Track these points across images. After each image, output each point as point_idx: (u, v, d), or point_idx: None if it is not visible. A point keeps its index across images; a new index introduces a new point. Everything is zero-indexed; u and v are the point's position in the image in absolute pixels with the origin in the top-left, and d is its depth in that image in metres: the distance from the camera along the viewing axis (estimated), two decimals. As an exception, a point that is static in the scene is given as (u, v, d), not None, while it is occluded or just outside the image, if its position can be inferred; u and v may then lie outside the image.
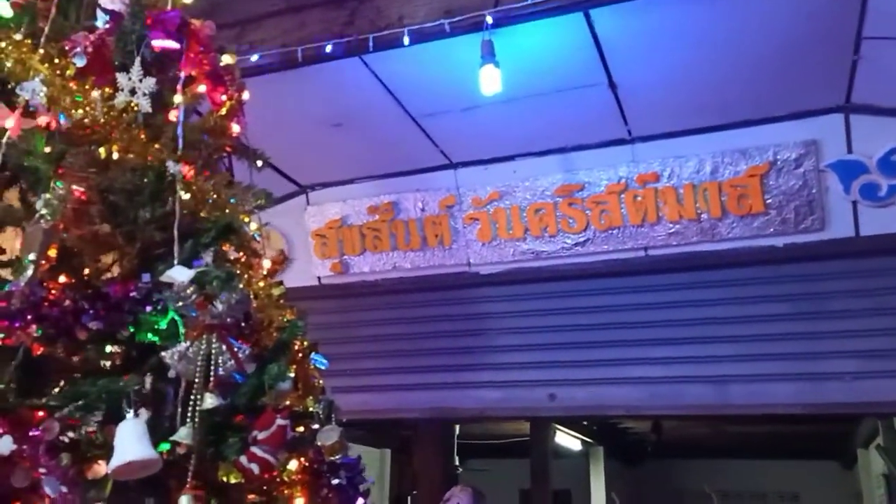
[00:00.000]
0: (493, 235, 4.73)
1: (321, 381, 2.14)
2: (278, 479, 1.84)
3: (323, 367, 2.17)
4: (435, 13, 3.69)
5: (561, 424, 8.88)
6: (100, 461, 1.51)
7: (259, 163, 2.22)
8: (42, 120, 1.73)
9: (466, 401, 4.67)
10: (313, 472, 1.91)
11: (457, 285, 4.87)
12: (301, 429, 1.91)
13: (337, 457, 1.89)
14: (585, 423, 9.14)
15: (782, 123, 4.05)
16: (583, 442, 10.24)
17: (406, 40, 3.63)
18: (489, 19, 3.45)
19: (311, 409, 1.94)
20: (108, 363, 1.74)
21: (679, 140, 4.28)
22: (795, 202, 4.07)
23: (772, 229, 4.15)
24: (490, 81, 3.50)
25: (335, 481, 1.92)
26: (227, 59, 2.19)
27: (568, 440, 9.72)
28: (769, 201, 4.11)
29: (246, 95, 2.26)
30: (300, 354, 2.06)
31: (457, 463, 9.02)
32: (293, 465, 1.89)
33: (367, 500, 2.06)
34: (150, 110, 1.81)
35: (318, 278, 5.10)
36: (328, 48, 3.76)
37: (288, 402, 1.89)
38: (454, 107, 4.19)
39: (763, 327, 4.23)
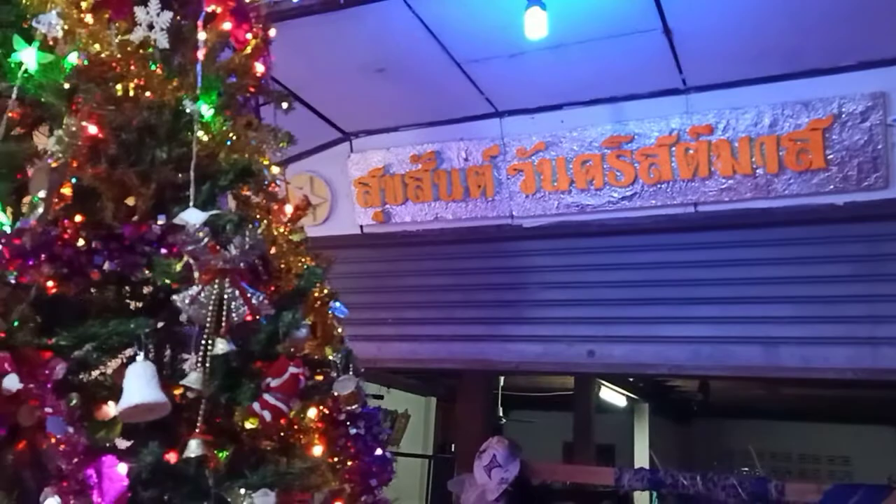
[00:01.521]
0: (537, 187, 4.61)
1: (340, 330, 2.10)
2: (295, 427, 1.82)
3: (342, 316, 2.13)
4: (480, -49, 3.53)
5: (605, 380, 8.81)
6: (108, 402, 1.50)
7: (284, 105, 2.15)
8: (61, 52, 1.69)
9: (505, 354, 4.62)
10: (331, 420, 1.89)
11: (499, 238, 4.78)
12: (319, 377, 1.88)
13: (354, 406, 1.86)
14: (631, 379, 9.05)
15: (849, 74, 3.78)
16: (628, 398, 10.17)
17: (449, -20, 3.49)
18: (535, -42, 3.28)
19: (329, 357, 1.91)
20: (133, 305, 1.74)
21: (737, 90, 4.05)
22: (859, 158, 3.82)
23: (832, 186, 3.91)
24: (535, 25, 3.35)
25: (353, 431, 1.90)
26: (253, -5, 2.11)
27: (613, 395, 9.66)
28: (830, 157, 3.87)
29: (272, 33, 2.19)
30: (319, 302, 2.02)
31: (501, 414, 9.11)
32: (312, 413, 1.87)
33: (385, 450, 2.03)
34: (167, 45, 1.76)
35: (361, 227, 5.07)
36: (370, -12, 3.64)
37: (306, 351, 1.86)
38: (500, 53, 4.03)
39: (818, 289, 4.04)
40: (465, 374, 5.46)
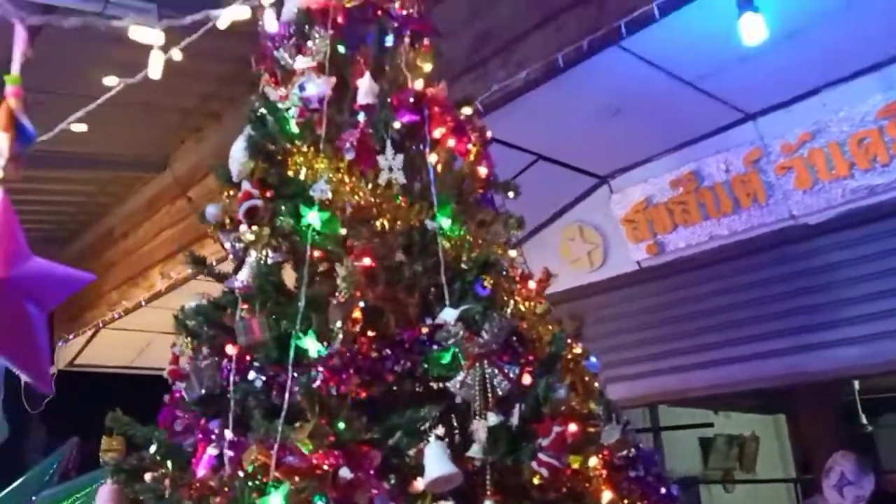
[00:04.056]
0: (813, 180, 4.30)
1: (598, 384, 2.27)
2: (580, 476, 2.02)
3: (595, 371, 2.30)
4: (682, -23, 3.54)
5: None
6: (417, 479, 1.86)
7: (511, 194, 2.44)
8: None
9: (820, 362, 4.29)
10: (612, 466, 2.06)
11: (784, 241, 4.52)
12: (591, 429, 2.06)
13: (626, 452, 2.01)
14: None
15: None
16: None
17: (657, 15, 3.56)
18: (738, -35, 3.22)
19: (593, 410, 2.09)
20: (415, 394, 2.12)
21: None
22: None
23: None
24: (752, 30, 3.25)
25: (633, 474, 2.04)
26: (466, 111, 2.46)
27: None
28: None
29: (489, 134, 2.51)
30: (573, 363, 2.22)
31: (864, 422, 8.15)
32: (593, 461, 2.06)
33: (669, 487, 2.13)
34: (405, 181, 2.16)
35: (638, 262, 5.14)
36: (584, 47, 3.85)
37: (575, 406, 2.07)
38: (730, 59, 3.94)
39: None
40: (798, 389, 5.12)
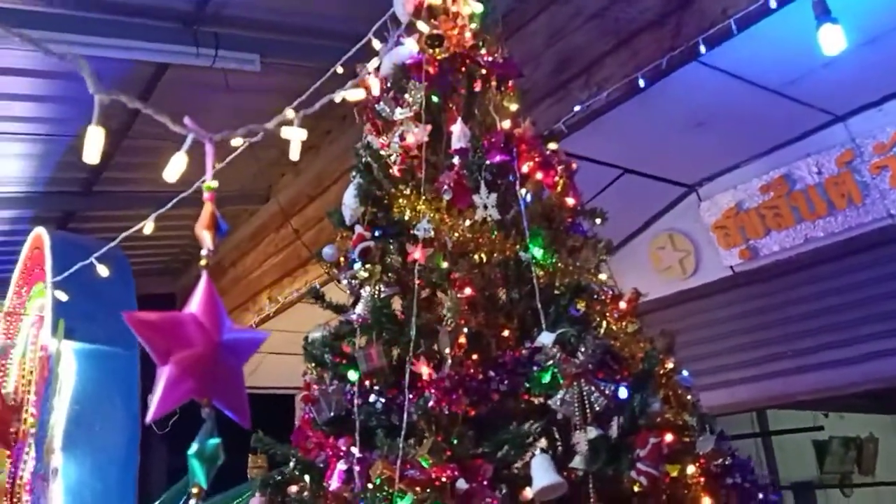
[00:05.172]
0: (910, 178, 4.24)
1: (690, 396, 2.39)
2: (679, 484, 2.16)
3: (688, 385, 2.42)
4: (757, -8, 3.61)
5: None
6: (525, 488, 2.05)
7: (598, 220, 2.61)
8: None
9: (930, 364, 4.21)
10: (709, 475, 2.19)
11: (884, 241, 4.45)
12: (686, 439, 2.20)
13: (721, 461, 2.14)
14: None
15: None
16: None
17: (734, 30, 3.63)
18: (815, -23, 3.27)
19: (687, 421, 2.23)
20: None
21: None
22: None
23: None
24: (831, 41, 3.27)
25: (730, 481, 2.16)
26: (552, 146, 2.65)
27: None
28: None
29: (574, 166, 2.68)
30: (665, 378, 2.35)
31: None
32: (690, 470, 2.20)
33: (768, 494, 2.23)
34: (499, 217, 2.37)
35: (731, 268, 5.15)
36: (663, 66, 3.95)
37: (669, 418, 2.21)
38: (813, 66, 3.96)
39: None
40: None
